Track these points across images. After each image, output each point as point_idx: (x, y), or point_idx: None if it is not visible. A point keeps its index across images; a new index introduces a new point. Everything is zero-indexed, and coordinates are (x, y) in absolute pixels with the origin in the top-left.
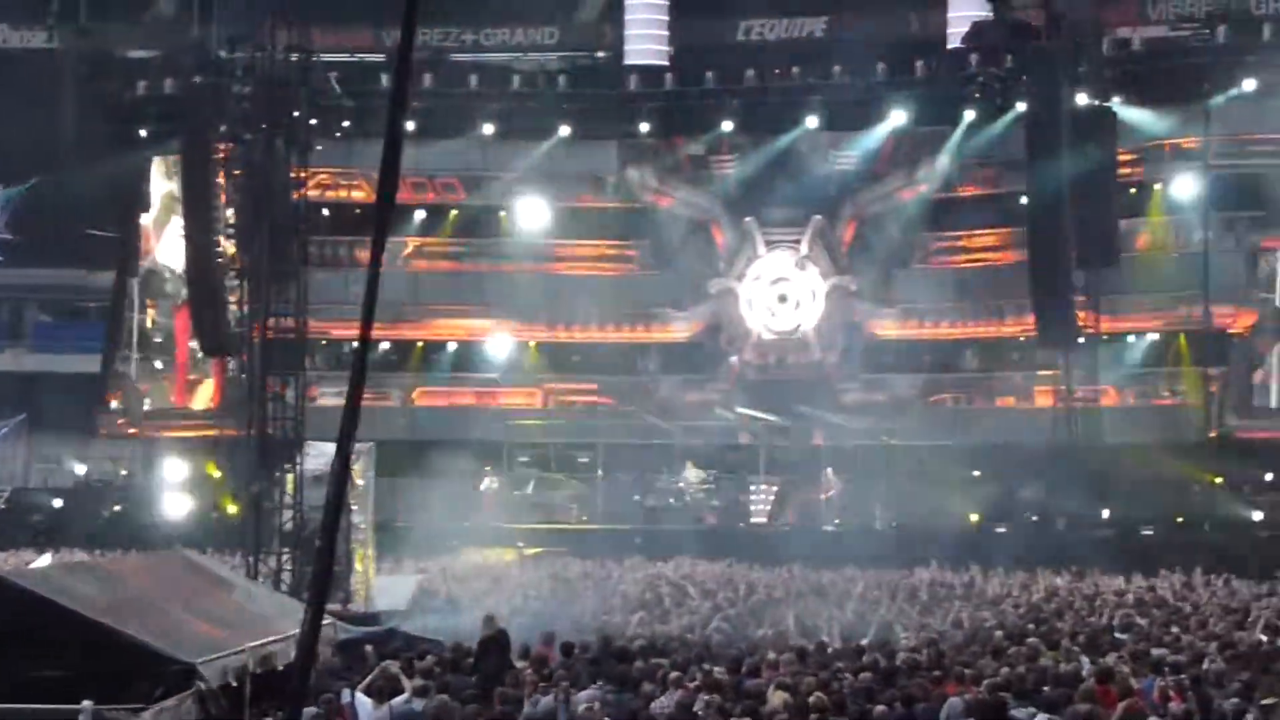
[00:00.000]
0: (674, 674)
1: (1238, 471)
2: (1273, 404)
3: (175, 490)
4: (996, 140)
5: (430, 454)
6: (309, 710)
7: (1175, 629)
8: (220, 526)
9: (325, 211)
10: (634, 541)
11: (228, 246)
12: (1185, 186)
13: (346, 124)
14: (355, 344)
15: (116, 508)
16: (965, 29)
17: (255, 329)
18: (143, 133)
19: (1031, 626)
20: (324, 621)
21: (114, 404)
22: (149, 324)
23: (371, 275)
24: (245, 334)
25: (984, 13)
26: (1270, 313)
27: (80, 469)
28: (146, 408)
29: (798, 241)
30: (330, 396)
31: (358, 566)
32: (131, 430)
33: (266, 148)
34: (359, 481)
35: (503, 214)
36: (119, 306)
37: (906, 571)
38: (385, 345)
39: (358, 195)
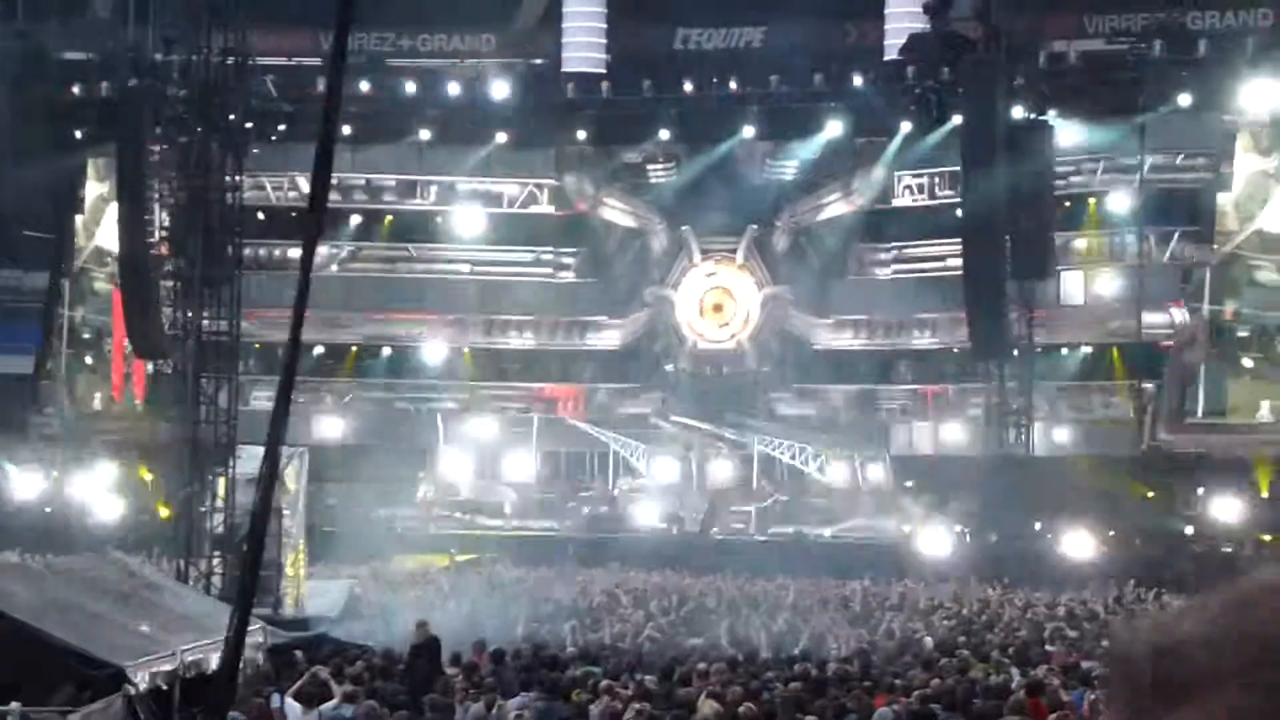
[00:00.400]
0: (605, 682)
1: (1170, 484)
2: (1200, 416)
3: (107, 493)
4: (933, 152)
5: (365, 458)
6: (234, 714)
7: (1106, 642)
8: (152, 530)
9: (260, 215)
10: (568, 549)
11: (162, 249)
12: (1120, 200)
13: (282, 127)
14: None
15: (47, 510)
16: (902, 40)
17: (189, 332)
18: (78, 134)
19: (962, 639)
20: (253, 626)
21: (47, 405)
22: (78, 320)
23: (302, 280)
24: (179, 336)
25: (921, 25)
26: (1203, 325)
27: (12, 470)
28: (80, 409)
29: (734, 251)
30: (264, 400)
31: (289, 571)
32: (64, 431)
33: (202, 151)
34: (291, 486)
35: (439, 219)
36: (52, 307)
37: (839, 582)
38: (319, 350)
39: (293, 198)
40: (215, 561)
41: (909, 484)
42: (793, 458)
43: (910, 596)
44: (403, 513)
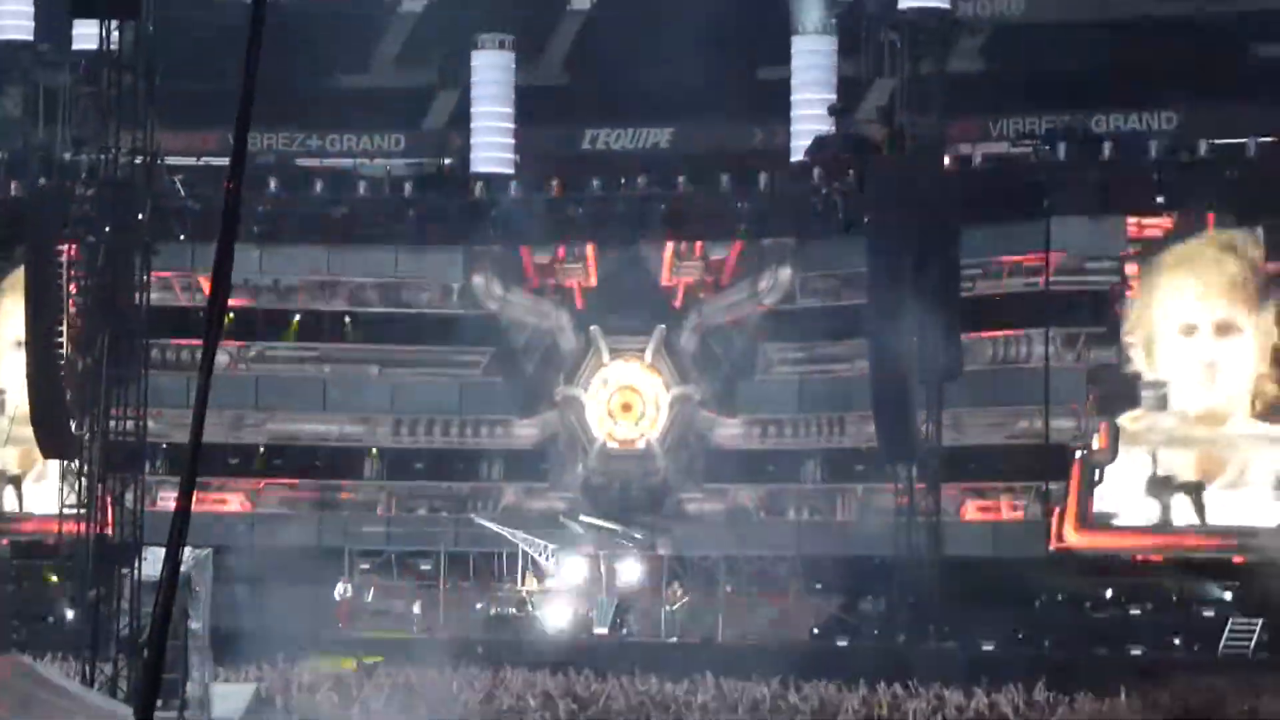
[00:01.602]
0: None
1: (1078, 586)
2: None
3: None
4: (839, 253)
5: (272, 559)
6: None
7: None
8: (57, 630)
9: (167, 314)
10: (476, 650)
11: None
12: (1026, 303)
13: (189, 227)
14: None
15: None
16: (808, 142)
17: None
18: None
19: None
20: None
21: None
22: None
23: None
24: (85, 437)
25: (827, 126)
26: (1109, 428)
27: None
28: None
29: (642, 350)
30: (172, 500)
31: (193, 674)
32: None
33: (110, 250)
34: (197, 588)
35: (346, 319)
36: None
37: (749, 683)
38: (227, 449)
39: (200, 298)
40: (121, 664)
41: (819, 585)
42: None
43: (819, 697)
44: (315, 614)
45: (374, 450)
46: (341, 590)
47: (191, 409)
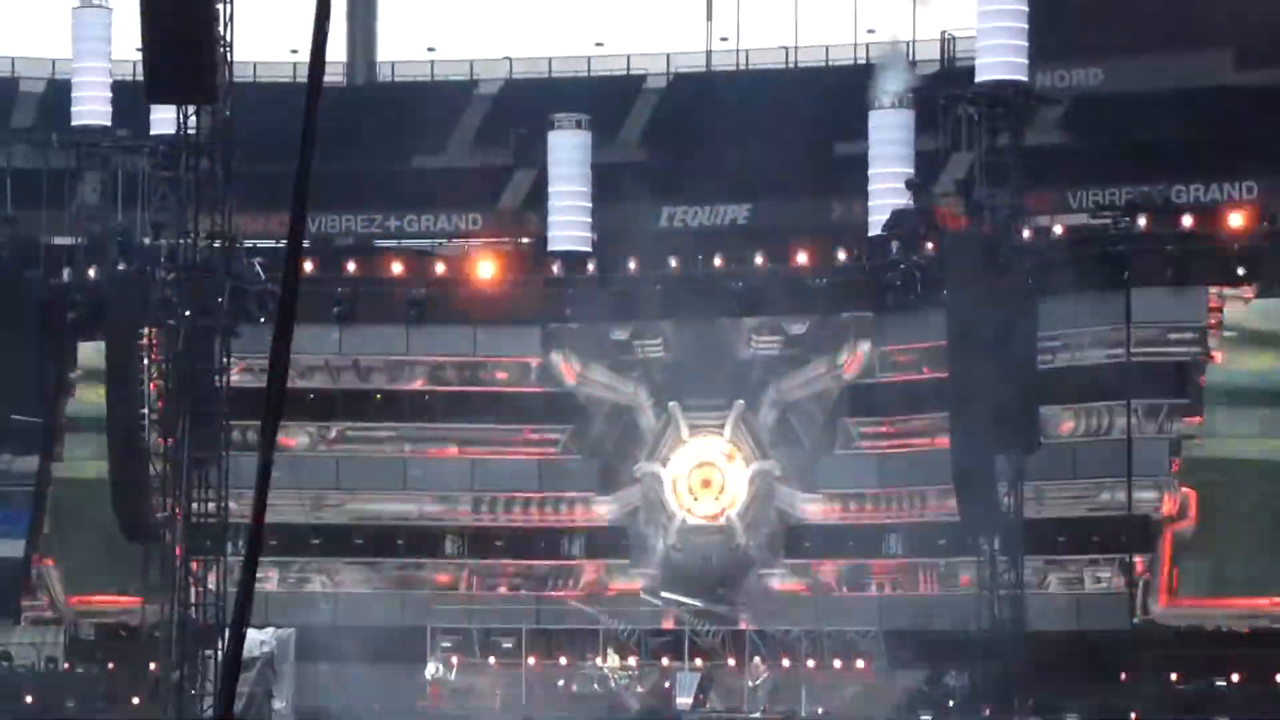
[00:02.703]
0: None
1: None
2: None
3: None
4: (918, 327)
5: (354, 639)
6: None
7: None
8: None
9: (247, 396)
10: None
11: (151, 431)
12: (1107, 374)
13: (269, 309)
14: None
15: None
16: (885, 217)
17: (177, 514)
18: (68, 317)
19: None
20: None
21: (39, 588)
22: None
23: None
24: (168, 518)
25: (904, 201)
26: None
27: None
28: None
29: (721, 426)
30: (257, 582)
31: None
32: (55, 615)
33: (189, 334)
34: (280, 667)
35: (427, 398)
36: (42, 491)
37: None
38: (308, 530)
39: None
40: None
41: (902, 659)
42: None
43: None
44: (398, 692)
45: (455, 528)
46: (433, 670)
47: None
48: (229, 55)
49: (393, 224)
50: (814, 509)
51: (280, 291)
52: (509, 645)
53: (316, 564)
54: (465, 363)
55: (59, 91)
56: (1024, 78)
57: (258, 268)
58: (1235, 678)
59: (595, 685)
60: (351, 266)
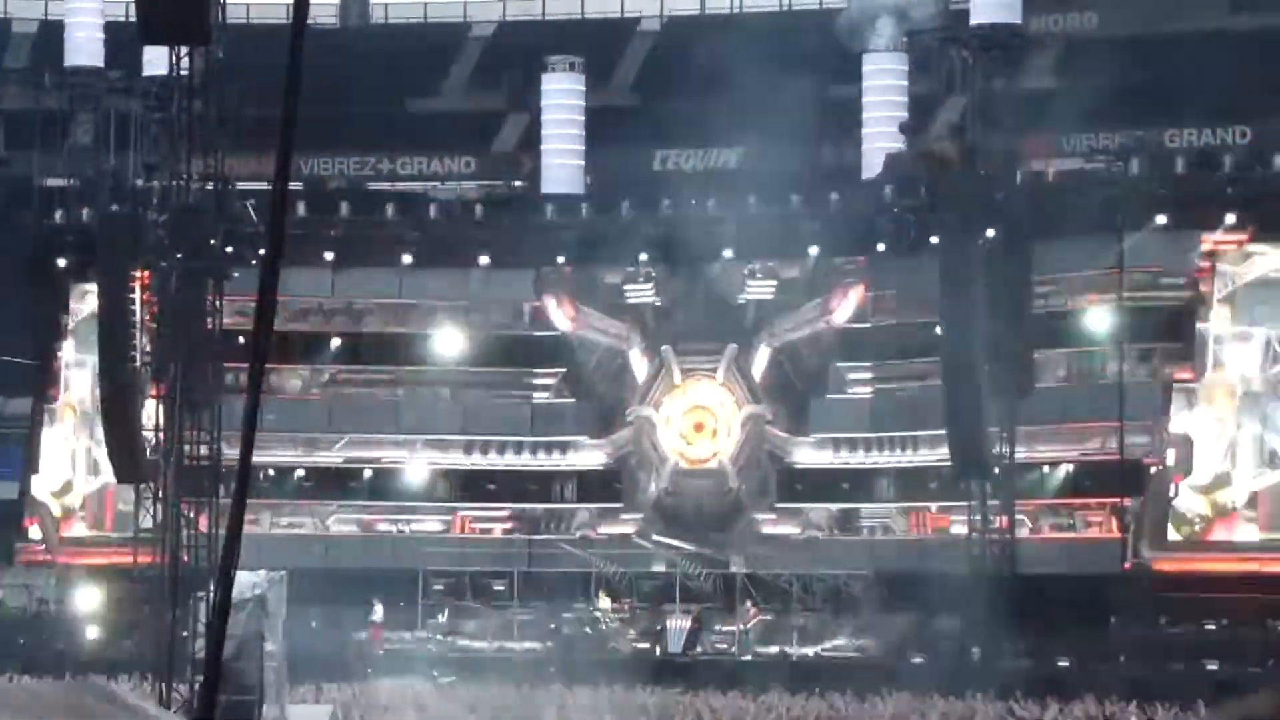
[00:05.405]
0: None
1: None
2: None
3: (90, 617)
4: (911, 271)
5: (345, 582)
6: None
7: None
8: (136, 653)
9: (241, 339)
10: (549, 670)
11: (144, 373)
12: (1100, 318)
13: (262, 251)
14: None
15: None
16: (879, 160)
17: (170, 456)
18: (60, 261)
19: None
20: None
21: (31, 530)
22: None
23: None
24: (160, 461)
25: (898, 144)
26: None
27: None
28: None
29: (714, 370)
30: (249, 524)
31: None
32: (48, 557)
33: (182, 276)
34: (272, 610)
35: (420, 341)
36: (35, 433)
37: (821, 700)
38: (300, 472)
39: (275, 322)
40: (197, 685)
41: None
42: (773, 576)
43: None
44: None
45: (446, 472)
46: (379, 616)
47: (267, 433)
48: None
49: (385, 167)
50: (806, 453)
51: (267, 237)
52: (500, 588)
53: (308, 507)
54: (457, 306)
55: (52, 32)
56: (1018, 20)
57: (250, 209)
58: (1225, 622)
59: (586, 628)
60: (344, 209)
